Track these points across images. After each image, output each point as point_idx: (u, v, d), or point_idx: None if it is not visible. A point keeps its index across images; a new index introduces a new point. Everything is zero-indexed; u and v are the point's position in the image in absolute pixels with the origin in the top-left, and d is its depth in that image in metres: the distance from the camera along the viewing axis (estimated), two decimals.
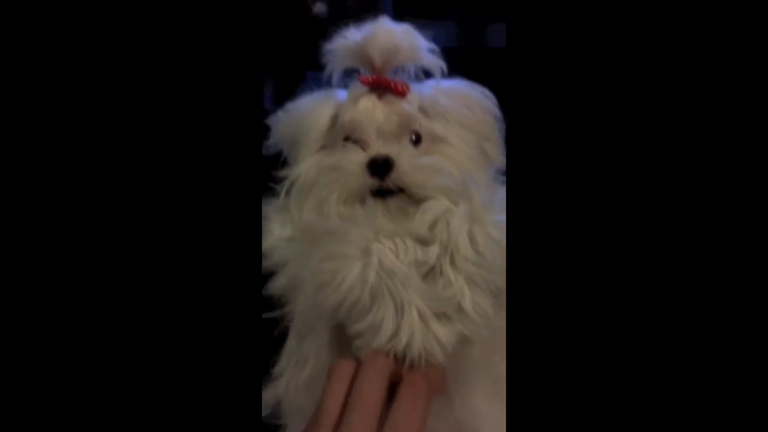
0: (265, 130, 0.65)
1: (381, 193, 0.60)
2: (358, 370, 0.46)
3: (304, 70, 0.79)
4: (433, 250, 0.51)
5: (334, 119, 0.63)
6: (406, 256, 0.51)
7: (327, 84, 0.66)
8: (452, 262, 0.50)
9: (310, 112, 0.64)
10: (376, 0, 0.87)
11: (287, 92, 0.68)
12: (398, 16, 0.81)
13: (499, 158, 0.66)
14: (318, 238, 0.53)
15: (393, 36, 0.61)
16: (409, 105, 0.62)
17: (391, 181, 0.59)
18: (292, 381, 0.56)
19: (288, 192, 0.63)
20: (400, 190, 0.60)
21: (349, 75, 0.66)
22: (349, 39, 0.62)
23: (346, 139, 0.63)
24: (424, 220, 0.54)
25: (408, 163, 0.59)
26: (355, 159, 0.60)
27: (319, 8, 0.85)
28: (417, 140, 0.63)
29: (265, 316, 0.57)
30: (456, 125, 0.64)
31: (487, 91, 0.67)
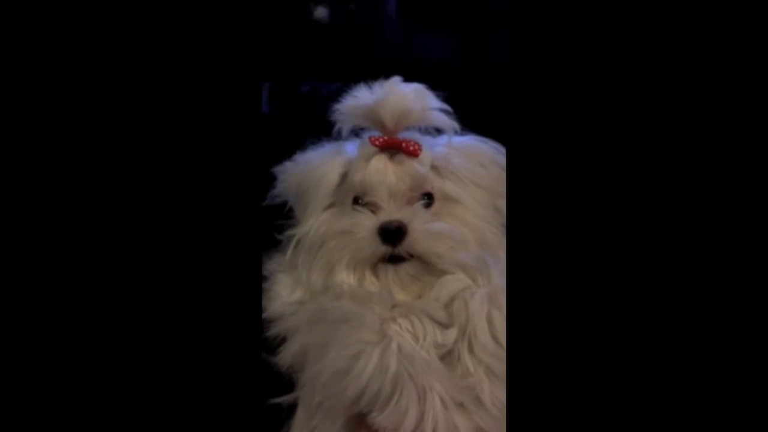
0: (263, 143, 0.60)
1: (392, 260, 0.58)
2: None
3: (301, 77, 0.76)
4: (452, 333, 0.50)
5: (344, 176, 0.62)
6: (425, 339, 0.49)
7: (336, 136, 0.65)
8: (470, 349, 0.49)
9: (319, 168, 0.63)
10: (379, 5, 0.81)
11: (284, 98, 0.66)
12: (403, 21, 0.80)
13: None
14: (332, 325, 0.51)
15: (405, 99, 0.60)
16: (421, 166, 0.61)
17: (403, 249, 0.57)
18: None
19: (295, 249, 0.62)
20: (412, 257, 0.58)
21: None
22: (360, 100, 0.61)
23: (356, 199, 0.61)
24: (441, 297, 0.53)
25: (421, 229, 0.58)
26: (366, 224, 0.58)
27: (320, 13, 0.79)
28: (429, 201, 0.61)
29: (275, 400, 0.55)
30: (469, 184, 0.62)
31: (499, 146, 0.65)
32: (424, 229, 0.58)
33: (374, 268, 0.59)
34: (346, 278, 0.58)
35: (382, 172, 0.60)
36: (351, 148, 0.64)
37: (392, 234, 0.57)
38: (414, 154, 0.61)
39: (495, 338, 0.49)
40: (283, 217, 0.65)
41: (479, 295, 0.52)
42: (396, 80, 0.61)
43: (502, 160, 0.65)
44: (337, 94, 0.62)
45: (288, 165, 0.65)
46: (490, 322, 0.50)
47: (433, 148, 0.63)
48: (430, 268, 0.58)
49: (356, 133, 0.64)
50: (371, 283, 0.58)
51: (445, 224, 0.59)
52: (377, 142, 0.60)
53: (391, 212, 0.59)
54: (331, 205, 0.63)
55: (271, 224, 0.64)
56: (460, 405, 0.48)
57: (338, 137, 0.65)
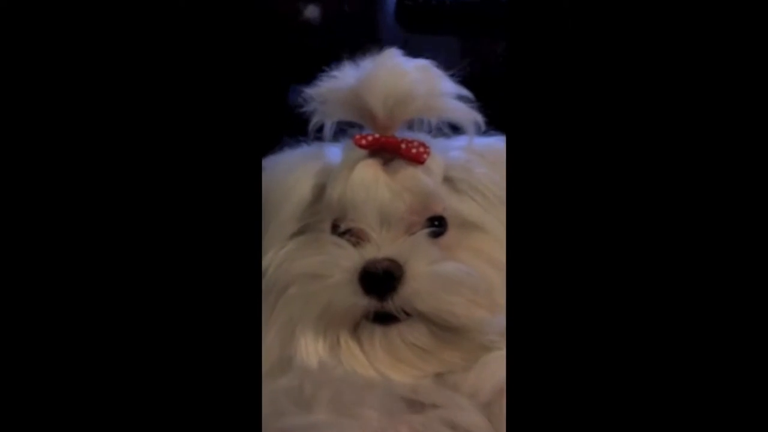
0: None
1: (381, 319, 0.39)
2: None
3: (288, 83, 0.63)
4: None
5: (320, 190, 0.43)
6: None
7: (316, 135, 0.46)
8: None
9: (285, 178, 0.44)
10: (375, 4, 0.74)
11: (269, 108, 0.47)
12: (401, 23, 0.72)
13: None
14: None
15: (403, 79, 0.41)
16: (428, 177, 0.42)
17: (395, 304, 0.38)
18: None
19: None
20: (410, 315, 0.39)
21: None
22: (341, 82, 0.42)
23: (335, 224, 0.42)
24: (483, 389, 0.34)
25: (423, 273, 0.38)
26: (343, 263, 0.39)
27: (311, 12, 0.71)
28: (439, 228, 0.42)
29: None
30: (497, 204, 0.43)
31: None
32: (429, 273, 0.38)
33: (355, 329, 0.39)
34: (311, 346, 0.38)
35: (370, 186, 0.41)
36: (335, 152, 0.45)
37: (379, 281, 0.37)
38: (418, 159, 0.41)
39: None
40: None
41: None
42: (392, 53, 0.42)
43: None
44: None
45: None
46: None
47: (447, 153, 0.44)
48: (442, 331, 0.38)
49: (345, 131, 0.45)
50: (350, 352, 0.39)
51: (460, 265, 0.39)
52: (363, 142, 0.41)
53: (380, 245, 0.39)
54: (301, 232, 0.44)
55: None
56: None
57: (319, 138, 0.46)
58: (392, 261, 0.38)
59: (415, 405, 0.35)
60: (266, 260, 0.42)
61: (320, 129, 0.46)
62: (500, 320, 0.36)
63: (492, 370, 0.35)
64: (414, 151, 0.41)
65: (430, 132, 0.45)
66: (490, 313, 0.38)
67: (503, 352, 0.35)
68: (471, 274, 0.39)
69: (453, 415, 0.33)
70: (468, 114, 0.43)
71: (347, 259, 0.39)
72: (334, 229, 0.42)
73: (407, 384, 0.36)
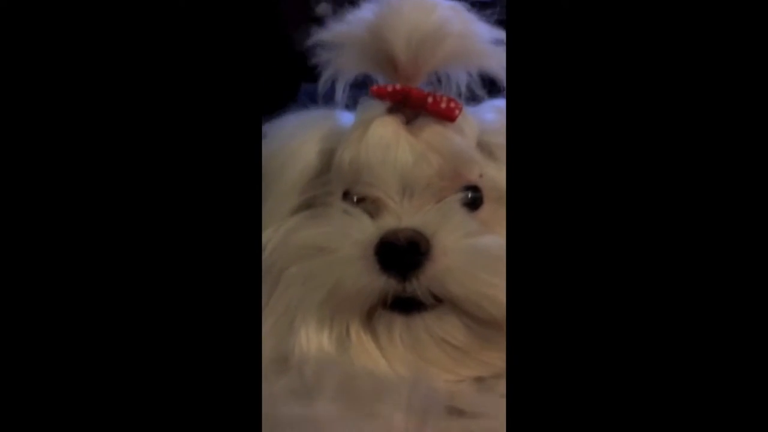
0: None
1: (403, 306, 0.30)
2: None
3: (299, 81, 0.55)
4: None
5: (328, 157, 0.35)
6: None
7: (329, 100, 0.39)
8: None
9: (288, 145, 0.37)
10: None
11: (280, 106, 0.40)
12: None
13: None
14: None
15: (431, 14, 0.33)
16: (461, 137, 0.34)
17: (421, 285, 0.30)
18: None
19: None
20: (440, 300, 0.30)
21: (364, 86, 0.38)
22: (358, 21, 0.35)
23: (347, 194, 0.34)
24: None
25: (458, 249, 0.30)
26: (356, 235, 0.31)
27: (323, 9, 0.69)
28: (475, 199, 0.34)
29: None
30: None
31: None
32: (465, 247, 0.30)
33: (369, 319, 0.31)
34: (314, 339, 0.30)
35: (390, 145, 0.33)
36: (348, 116, 0.37)
37: (400, 254, 0.29)
38: (448, 115, 0.34)
39: None
40: None
41: None
42: None
43: None
44: None
45: None
46: None
47: (482, 115, 0.36)
48: (480, 325, 0.30)
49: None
50: (362, 348, 0.30)
51: (501, 240, 0.31)
52: (384, 93, 0.34)
53: (401, 215, 0.31)
54: (306, 206, 0.36)
55: None
56: None
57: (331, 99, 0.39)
58: (415, 231, 0.30)
59: (452, 411, 0.26)
60: (264, 238, 0.34)
61: (332, 94, 0.39)
62: None
63: None
64: (443, 105, 0.34)
65: (459, 95, 0.38)
66: None
67: None
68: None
69: (501, 427, 0.24)
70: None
71: (360, 229, 0.31)
72: (346, 200, 0.34)
73: (442, 387, 0.28)
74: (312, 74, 0.38)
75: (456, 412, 0.28)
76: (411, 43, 0.33)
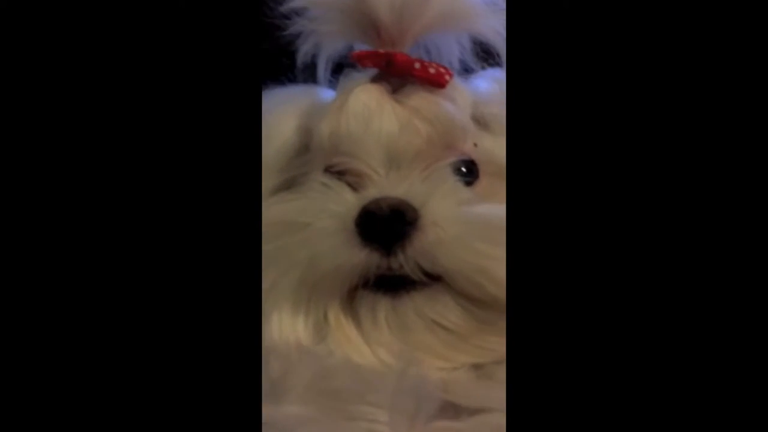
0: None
1: (388, 285, 0.27)
2: None
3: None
4: None
5: (308, 134, 0.33)
6: None
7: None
8: None
9: (264, 123, 0.34)
10: None
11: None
12: None
13: None
14: None
15: None
16: (452, 105, 0.31)
17: (408, 259, 0.26)
18: None
19: None
20: (432, 278, 0.27)
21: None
22: None
23: (328, 169, 0.31)
24: None
25: (450, 218, 0.27)
26: (334, 208, 0.27)
27: None
28: (469, 172, 0.31)
29: None
30: None
31: None
32: (458, 216, 0.27)
33: (350, 300, 0.27)
34: (287, 325, 0.27)
35: (373, 113, 0.31)
36: (329, 92, 0.35)
37: (384, 224, 0.26)
38: (437, 81, 0.31)
39: None
40: None
41: None
42: None
43: None
44: None
45: None
46: None
47: (477, 84, 0.34)
48: (476, 306, 0.27)
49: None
50: (343, 334, 0.27)
51: (502, 209, 0.28)
52: (367, 56, 0.31)
53: (384, 185, 0.28)
54: (286, 186, 0.33)
55: None
56: None
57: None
58: (400, 201, 0.27)
59: (446, 408, 0.23)
60: None
61: (313, 70, 0.36)
62: None
63: None
64: (432, 71, 0.31)
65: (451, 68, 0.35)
66: None
67: None
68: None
69: (503, 421, 0.21)
70: (502, 28, 0.32)
71: (338, 201, 0.28)
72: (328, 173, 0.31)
73: (434, 378, 0.24)
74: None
75: (451, 408, 0.24)
76: (395, 4, 0.31)
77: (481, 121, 0.33)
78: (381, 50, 0.32)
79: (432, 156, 0.30)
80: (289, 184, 0.33)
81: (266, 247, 0.29)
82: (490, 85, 0.34)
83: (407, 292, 0.27)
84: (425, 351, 0.26)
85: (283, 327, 0.27)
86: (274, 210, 0.29)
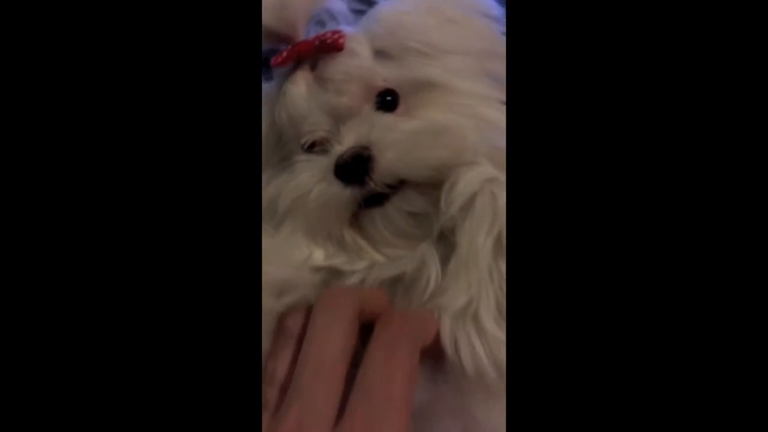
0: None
1: (375, 201, 0.39)
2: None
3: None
4: None
5: (275, 126, 0.43)
6: None
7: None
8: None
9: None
10: None
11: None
12: None
13: None
14: None
15: None
16: (353, 59, 0.41)
17: (377, 182, 0.38)
18: None
19: None
20: (398, 186, 0.39)
21: None
22: None
23: (303, 147, 0.42)
24: (459, 195, 0.35)
25: (390, 143, 0.38)
26: (318, 174, 0.39)
27: None
28: (391, 103, 0.41)
29: None
30: (440, 54, 0.42)
31: None
32: (394, 139, 0.38)
33: (356, 220, 0.40)
34: (319, 251, 0.40)
35: (309, 94, 0.41)
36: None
37: (353, 169, 0.37)
38: (336, 46, 0.40)
39: None
40: None
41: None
42: None
43: (480, 2, 0.43)
44: None
45: None
46: None
47: (367, 26, 0.43)
48: (434, 190, 0.38)
49: None
50: (358, 247, 0.40)
51: (420, 120, 0.39)
52: (279, 60, 0.41)
53: (342, 141, 0.39)
54: (283, 159, 0.44)
55: None
56: None
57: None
58: (355, 147, 0.38)
59: None
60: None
61: None
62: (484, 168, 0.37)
63: (467, 176, 0.36)
64: (329, 41, 0.41)
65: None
66: (470, 158, 0.38)
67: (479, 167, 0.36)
68: (434, 123, 0.38)
69: None
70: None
71: (318, 168, 0.39)
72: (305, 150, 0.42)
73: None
74: None
75: None
76: (274, 13, 0.40)
77: (382, 54, 0.42)
78: (285, 51, 0.41)
79: (361, 102, 0.41)
80: (284, 158, 0.43)
81: (280, 212, 0.40)
82: (376, 24, 0.42)
83: (388, 200, 0.38)
84: (410, 237, 0.38)
85: (314, 254, 0.39)
86: (284, 196, 0.40)
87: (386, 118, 0.39)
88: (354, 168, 0.37)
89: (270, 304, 0.34)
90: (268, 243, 0.34)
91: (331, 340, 0.32)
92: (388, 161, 0.38)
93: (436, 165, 0.37)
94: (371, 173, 0.38)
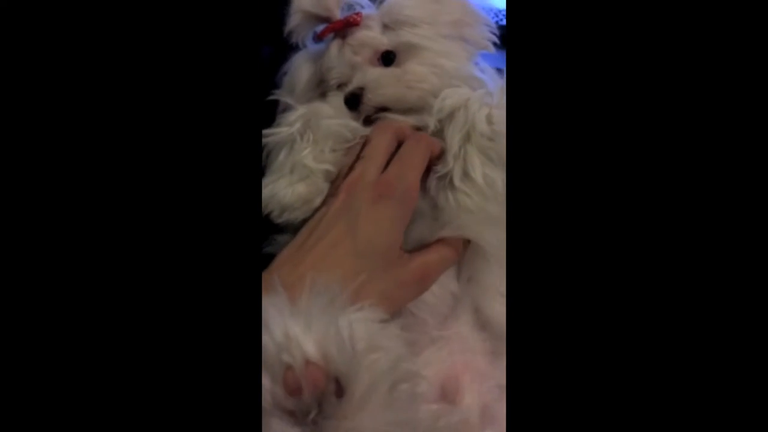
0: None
1: (369, 122, 0.64)
2: None
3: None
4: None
5: (317, 74, 0.66)
6: None
7: None
8: (468, 139, 0.56)
9: (292, 69, 0.70)
10: None
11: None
12: None
13: (484, 38, 0.65)
14: None
15: None
16: (368, 30, 0.65)
17: (367, 106, 0.62)
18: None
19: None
20: (386, 110, 0.63)
21: None
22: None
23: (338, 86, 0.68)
24: (442, 109, 0.58)
25: (376, 80, 0.62)
26: (333, 104, 0.64)
27: None
28: (389, 59, 0.65)
29: None
30: (425, 26, 0.64)
31: None
32: (380, 79, 0.62)
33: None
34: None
35: (341, 54, 0.66)
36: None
37: (350, 101, 0.62)
38: (355, 22, 0.65)
39: (491, 125, 0.55)
40: None
41: (479, 95, 0.57)
42: None
43: None
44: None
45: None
46: (489, 117, 0.55)
47: (380, 9, 0.67)
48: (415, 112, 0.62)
49: None
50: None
51: (394, 69, 0.63)
52: (321, 33, 0.67)
53: (353, 81, 0.64)
54: (322, 94, 0.68)
55: None
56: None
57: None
58: (357, 87, 0.63)
59: None
60: (294, 116, 0.62)
61: None
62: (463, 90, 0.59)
63: (450, 95, 0.60)
64: (351, 19, 0.65)
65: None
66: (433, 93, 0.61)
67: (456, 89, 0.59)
68: (405, 71, 0.62)
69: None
70: None
71: (338, 99, 0.65)
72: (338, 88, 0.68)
73: None
74: None
75: None
76: (316, 4, 0.65)
77: (388, 27, 0.66)
78: (328, 25, 0.67)
79: (371, 57, 0.65)
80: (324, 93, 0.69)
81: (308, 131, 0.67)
82: (387, 5, 0.66)
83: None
84: None
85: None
86: (302, 111, 0.66)
87: (376, 71, 0.63)
88: (352, 101, 0.63)
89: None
90: None
91: (383, 138, 0.57)
92: (373, 93, 0.62)
93: (400, 97, 0.61)
94: (365, 102, 0.63)
